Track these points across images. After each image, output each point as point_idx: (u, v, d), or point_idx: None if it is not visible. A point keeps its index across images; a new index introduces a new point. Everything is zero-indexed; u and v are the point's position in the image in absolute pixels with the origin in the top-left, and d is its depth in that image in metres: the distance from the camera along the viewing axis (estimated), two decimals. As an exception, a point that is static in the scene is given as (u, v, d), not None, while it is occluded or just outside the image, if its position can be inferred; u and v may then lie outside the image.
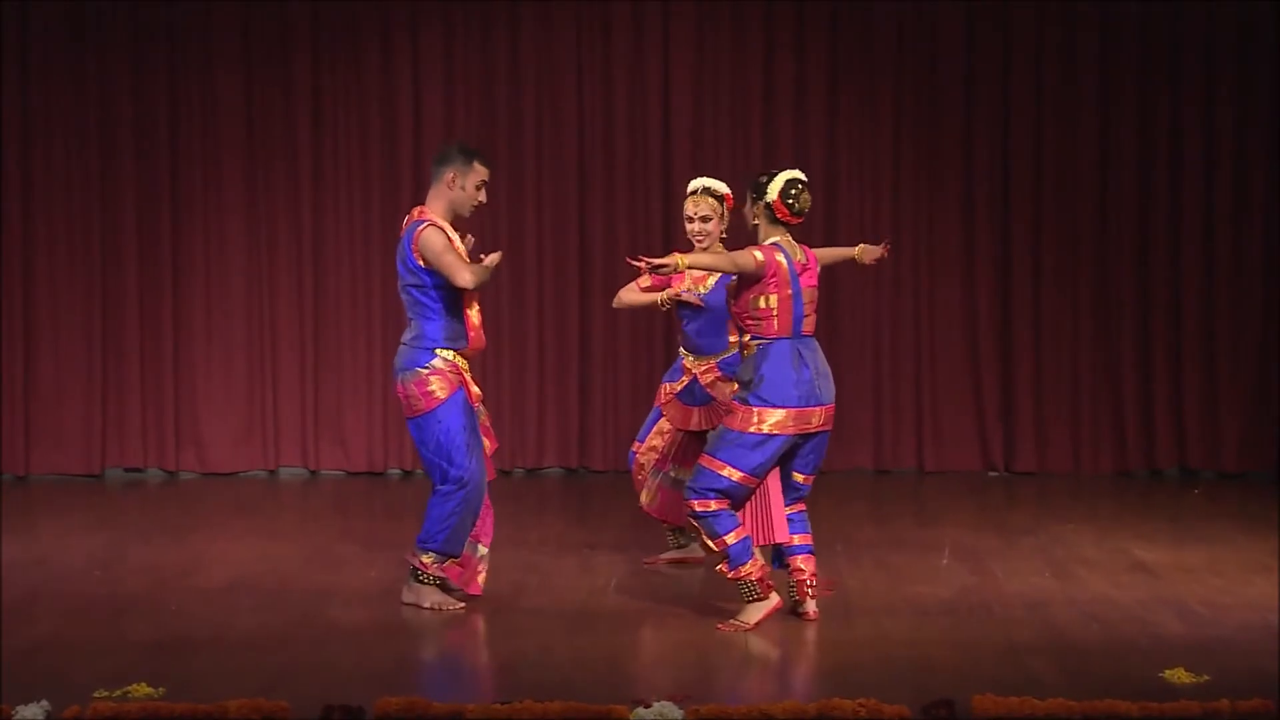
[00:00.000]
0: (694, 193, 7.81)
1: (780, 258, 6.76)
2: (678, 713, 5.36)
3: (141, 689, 5.66)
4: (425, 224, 6.98)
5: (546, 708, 5.39)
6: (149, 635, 6.65)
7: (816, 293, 6.89)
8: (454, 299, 7.02)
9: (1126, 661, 6.16)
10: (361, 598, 7.34)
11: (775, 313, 6.73)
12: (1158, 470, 11.21)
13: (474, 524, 7.07)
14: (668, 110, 11.27)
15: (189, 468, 11.28)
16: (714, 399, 7.79)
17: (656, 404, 8.04)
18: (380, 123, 11.29)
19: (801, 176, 6.84)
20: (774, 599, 6.78)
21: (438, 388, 6.97)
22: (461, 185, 7.05)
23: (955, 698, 5.46)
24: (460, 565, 7.08)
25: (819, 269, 6.94)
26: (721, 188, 7.83)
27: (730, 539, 6.69)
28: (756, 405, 6.70)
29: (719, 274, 7.56)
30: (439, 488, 7.03)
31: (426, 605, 7.04)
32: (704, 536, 6.75)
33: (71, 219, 11.20)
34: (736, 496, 6.73)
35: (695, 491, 6.72)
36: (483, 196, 7.12)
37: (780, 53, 11.29)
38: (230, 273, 11.30)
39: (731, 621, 6.78)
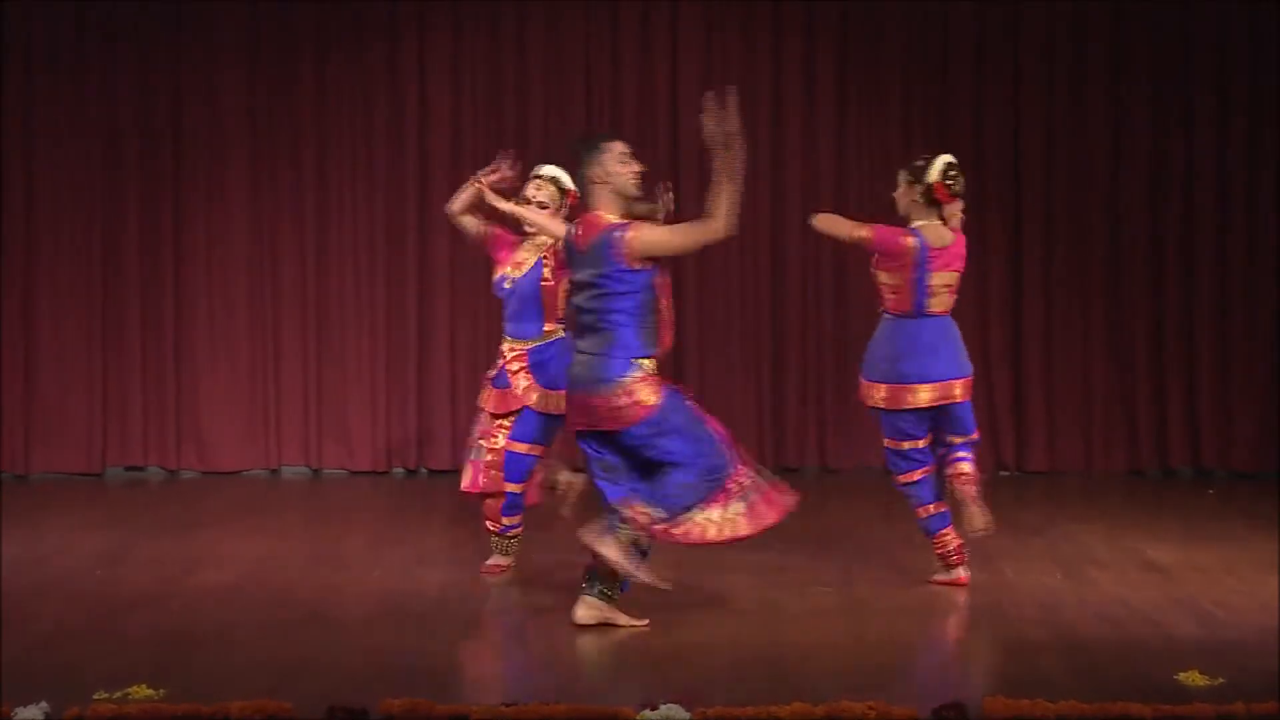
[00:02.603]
0: (539, 177, 7.85)
1: (912, 240, 7.34)
2: (685, 714, 5.35)
3: (141, 690, 5.65)
4: (627, 227, 6.58)
5: (552, 709, 5.37)
6: (150, 635, 6.65)
7: (957, 276, 7.46)
8: (650, 303, 6.66)
9: (1139, 663, 6.15)
10: (365, 598, 7.33)
11: (894, 289, 7.41)
12: (1170, 469, 11.21)
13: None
14: (675, 108, 11.26)
15: (190, 466, 11.28)
16: (510, 385, 7.75)
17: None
18: (385, 119, 11.29)
19: (954, 160, 7.41)
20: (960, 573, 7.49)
21: (645, 395, 6.60)
22: (607, 171, 6.72)
23: (966, 699, 5.45)
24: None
25: (963, 255, 7.48)
26: (568, 182, 7.75)
27: (925, 511, 7.45)
28: (867, 380, 7.47)
29: (535, 259, 7.74)
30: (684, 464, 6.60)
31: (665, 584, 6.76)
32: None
33: (73, 214, 11.21)
34: (902, 464, 7.48)
35: (892, 468, 7.52)
36: (634, 165, 6.77)
37: (788, 51, 11.28)
38: (233, 269, 11.30)
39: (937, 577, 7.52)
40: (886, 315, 7.51)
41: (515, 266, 7.84)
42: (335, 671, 6.09)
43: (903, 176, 7.49)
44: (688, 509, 6.57)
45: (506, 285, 7.82)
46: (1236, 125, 11.09)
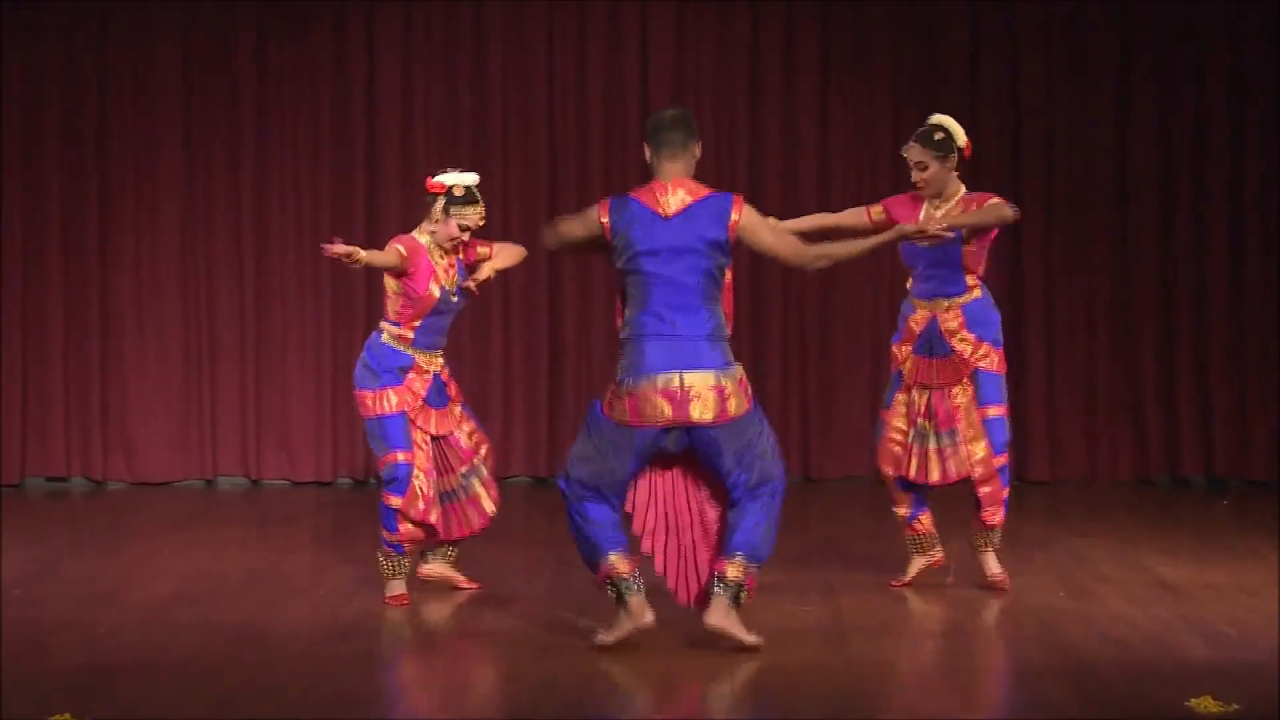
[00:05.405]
0: (475, 194, 7.54)
1: None
2: (656, 743, 5.37)
3: (65, 720, 5.66)
4: (736, 196, 6.57)
5: (510, 738, 5.39)
6: (74, 660, 6.63)
7: None
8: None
9: (1148, 687, 6.17)
10: (309, 618, 7.33)
11: (986, 258, 7.82)
12: (1182, 478, 11.25)
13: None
14: (645, 90, 11.29)
15: (117, 476, 11.26)
16: (451, 398, 7.72)
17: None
18: (330, 111, 11.30)
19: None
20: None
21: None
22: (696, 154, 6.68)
23: (961, 727, 5.48)
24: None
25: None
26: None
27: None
28: (1002, 346, 7.77)
29: (456, 270, 7.59)
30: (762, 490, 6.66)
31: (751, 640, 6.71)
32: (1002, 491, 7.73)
33: (-9, 204, 11.21)
34: None
35: (1000, 446, 7.69)
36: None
37: (767, 35, 11.32)
38: (164, 267, 11.29)
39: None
40: (983, 284, 7.90)
41: (449, 276, 7.61)
42: (274, 699, 6.09)
43: (931, 156, 7.58)
44: None
45: (454, 299, 7.66)
46: (1250, 120, 11.16)
